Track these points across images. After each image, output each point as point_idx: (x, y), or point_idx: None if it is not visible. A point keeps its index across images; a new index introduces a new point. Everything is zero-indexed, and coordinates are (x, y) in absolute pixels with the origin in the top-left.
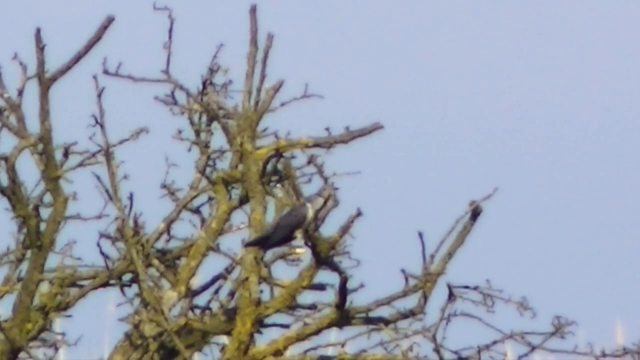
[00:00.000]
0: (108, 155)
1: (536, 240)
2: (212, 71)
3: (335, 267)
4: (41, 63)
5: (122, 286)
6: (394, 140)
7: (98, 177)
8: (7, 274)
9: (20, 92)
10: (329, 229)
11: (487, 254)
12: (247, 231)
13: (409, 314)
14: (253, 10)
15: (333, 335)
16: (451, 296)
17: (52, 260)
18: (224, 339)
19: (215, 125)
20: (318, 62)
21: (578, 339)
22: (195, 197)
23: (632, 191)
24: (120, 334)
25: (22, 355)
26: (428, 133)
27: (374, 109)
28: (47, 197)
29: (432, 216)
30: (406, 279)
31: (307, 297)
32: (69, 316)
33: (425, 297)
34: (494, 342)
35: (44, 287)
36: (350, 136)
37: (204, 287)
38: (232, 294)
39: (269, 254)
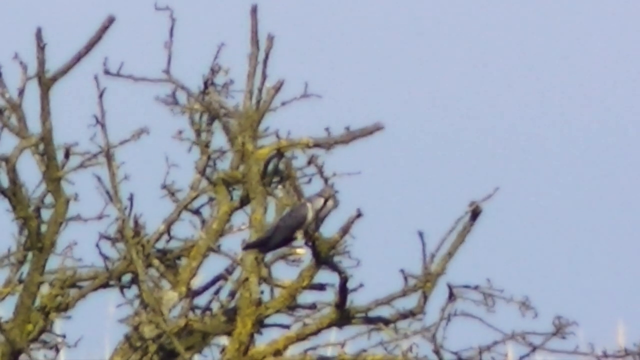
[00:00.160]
0: (109, 156)
1: (536, 240)
2: (213, 71)
3: (335, 267)
4: (42, 63)
5: (122, 287)
6: (394, 140)
7: (99, 178)
8: (9, 276)
9: (21, 92)
10: (329, 229)
11: (488, 253)
12: (248, 232)
13: (409, 314)
14: (254, 10)
15: (333, 335)
16: (451, 296)
17: (53, 262)
18: (224, 340)
19: (216, 125)
20: (318, 62)
21: (579, 339)
22: (195, 197)
23: (632, 191)
24: (121, 335)
25: (22, 356)
26: (428, 133)
27: (374, 109)
28: (48, 199)
29: (432, 216)
30: (406, 278)
31: (307, 297)
32: (69, 317)
33: (425, 297)
34: (495, 343)
35: (45, 289)
36: (351, 136)
37: (205, 288)
38: (232, 295)
39: (270, 255)
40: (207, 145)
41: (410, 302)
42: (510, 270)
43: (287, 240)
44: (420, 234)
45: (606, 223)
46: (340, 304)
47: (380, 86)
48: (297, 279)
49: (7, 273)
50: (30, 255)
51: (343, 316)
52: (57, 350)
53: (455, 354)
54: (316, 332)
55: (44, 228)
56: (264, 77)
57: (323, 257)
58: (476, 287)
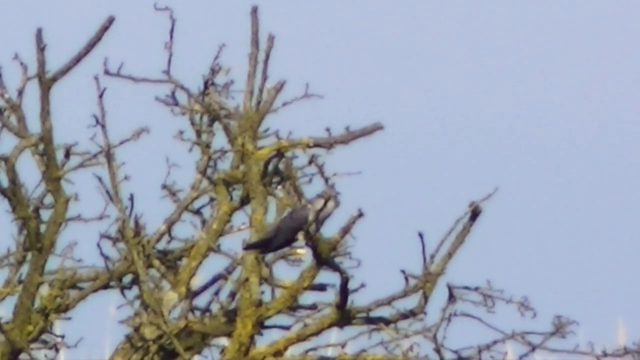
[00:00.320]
0: (109, 156)
1: (536, 240)
2: (213, 71)
3: (336, 268)
4: (42, 63)
5: (123, 288)
6: (394, 140)
7: (99, 178)
8: (8, 276)
9: (21, 93)
10: (329, 230)
11: (488, 254)
12: (248, 232)
13: (410, 314)
14: (254, 10)
15: (334, 335)
16: (451, 297)
17: (53, 262)
18: (224, 341)
19: (216, 125)
20: (319, 63)
21: (579, 338)
22: (196, 198)
23: (632, 191)
24: (121, 335)
25: (22, 356)
26: (428, 133)
27: (375, 109)
28: (48, 199)
29: (432, 216)
30: (406, 279)
31: (308, 298)
32: (69, 318)
33: (425, 298)
34: (495, 342)
35: (45, 289)
36: (351, 136)
37: (205, 288)
38: (232, 295)
39: (270, 255)
40: (208, 146)
41: (410, 302)
42: (510, 270)
43: (289, 241)
44: (420, 235)
45: (606, 223)
46: (341, 304)
47: (380, 86)
48: (298, 280)
49: (6, 273)
50: (29, 255)
51: (344, 316)
52: (57, 351)
53: (456, 353)
54: (317, 333)
55: (43, 228)
56: (265, 77)
57: (324, 258)
58: (476, 289)
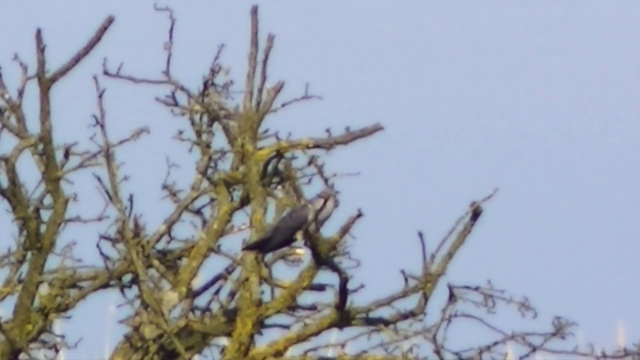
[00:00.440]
0: (108, 156)
1: (537, 241)
2: (213, 72)
3: (335, 268)
4: (41, 63)
5: (122, 287)
6: (394, 140)
7: (98, 178)
8: (8, 276)
9: (21, 93)
10: (329, 230)
11: (488, 254)
12: (248, 232)
13: (410, 315)
14: (254, 11)
15: (333, 336)
16: (452, 297)
17: (53, 262)
18: (224, 341)
19: (216, 126)
20: (318, 63)
21: (579, 339)
22: (196, 198)
23: (632, 191)
24: (121, 335)
25: (22, 356)
26: (428, 133)
27: (374, 110)
28: (48, 199)
29: (432, 216)
30: (406, 279)
31: (307, 298)
32: (69, 317)
33: (425, 298)
34: (495, 343)
35: (44, 289)
36: (351, 137)
37: (205, 288)
38: (232, 295)
39: (270, 255)
40: (208, 146)
41: (410, 302)
42: (510, 271)
43: (287, 241)
44: (421, 235)
45: (606, 223)
46: (341, 304)
47: (380, 87)
48: (297, 280)
49: (6, 273)
50: (29, 255)
51: (343, 317)
52: (57, 350)
53: (456, 354)
54: (316, 333)
55: (43, 228)
56: (264, 77)
57: (323, 258)
58: (477, 288)
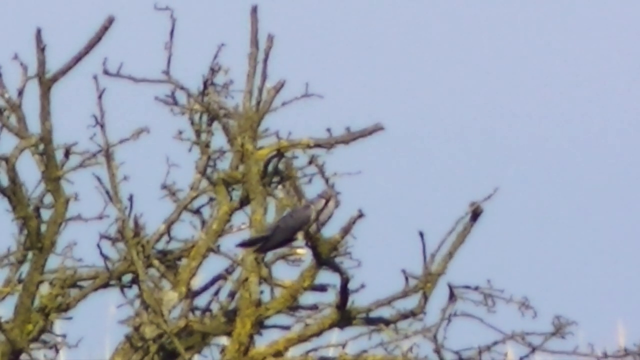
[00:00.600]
0: (108, 156)
1: (537, 240)
2: (213, 71)
3: (336, 268)
4: (42, 63)
5: (123, 287)
6: (394, 140)
7: (98, 178)
8: (8, 276)
9: (21, 93)
10: (330, 230)
11: (488, 254)
12: (247, 232)
13: (410, 315)
14: (254, 10)
15: (334, 336)
16: (452, 296)
17: (53, 262)
18: (224, 341)
19: (216, 125)
20: (319, 62)
21: (579, 339)
22: (195, 197)
23: (632, 191)
24: (121, 335)
25: (23, 356)
26: (428, 133)
27: (375, 110)
28: (48, 198)
29: (433, 216)
30: (407, 279)
31: (308, 298)
32: (69, 318)
33: (425, 298)
34: (495, 343)
35: (45, 289)
36: (351, 137)
37: (204, 288)
38: (232, 295)
39: (270, 255)
40: (207, 146)
41: (410, 302)
42: (510, 270)
43: (287, 241)
44: (421, 234)
45: (606, 223)
46: (341, 304)
47: (380, 86)
48: (298, 280)
49: (7, 273)
50: (30, 254)
51: (344, 317)
52: (57, 350)
53: (456, 354)
54: (317, 333)
55: (43, 228)
56: (264, 77)
57: (324, 258)
58: (476, 288)
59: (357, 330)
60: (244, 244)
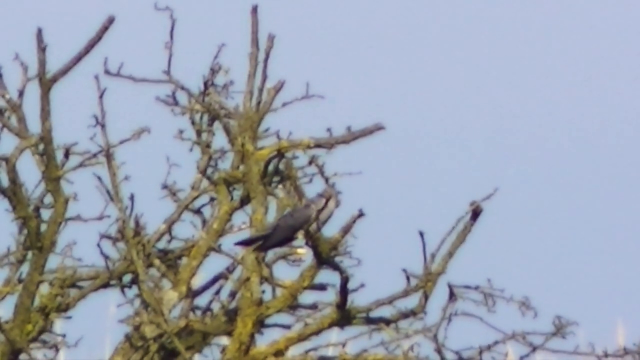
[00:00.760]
0: (109, 156)
1: (537, 240)
2: (213, 71)
3: (336, 267)
4: (42, 63)
5: (123, 287)
6: (394, 140)
7: (99, 178)
8: (8, 275)
9: (21, 93)
10: (330, 229)
11: (488, 253)
12: (248, 232)
13: (410, 314)
14: (254, 10)
15: (334, 335)
16: (452, 296)
17: (53, 262)
18: (224, 340)
19: (216, 125)
20: (319, 63)
21: (579, 339)
22: (196, 197)
23: (632, 191)
24: (121, 335)
25: (22, 356)
26: (428, 133)
27: (376, 110)
28: (48, 198)
29: (433, 216)
30: (407, 278)
31: (308, 297)
32: (69, 317)
33: (426, 297)
34: (495, 343)
35: (45, 288)
36: (352, 137)
37: (205, 287)
38: (233, 295)
39: (270, 254)
40: (208, 146)
41: (411, 301)
42: (510, 270)
43: (287, 240)
44: (421, 234)
45: (606, 223)
46: (341, 304)
47: (380, 86)
48: (298, 279)
49: (6, 272)
50: (29, 254)
51: (344, 316)
52: (57, 350)
53: (457, 354)
54: (317, 332)
55: (43, 227)
56: (265, 77)
57: (324, 257)
58: (477, 287)
59: (357, 330)
60: (242, 243)
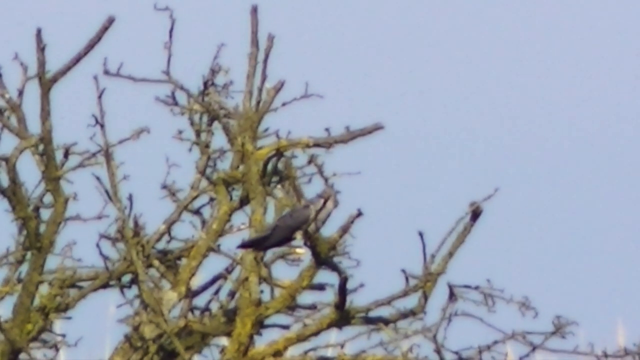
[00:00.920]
0: (108, 156)
1: (537, 240)
2: (213, 71)
3: (335, 267)
4: (42, 63)
5: (122, 287)
6: (394, 140)
7: (98, 178)
8: (7, 275)
9: (21, 93)
10: (329, 229)
11: (488, 253)
12: (247, 232)
13: (410, 314)
14: (254, 10)
15: (333, 335)
16: (452, 296)
17: (52, 262)
18: (223, 341)
19: (216, 125)
20: (318, 62)
21: (579, 339)
22: (195, 197)
23: (632, 191)
24: (121, 335)
25: (22, 356)
26: (428, 133)
27: (374, 109)
28: (48, 198)
29: (433, 216)
30: (407, 278)
31: (307, 298)
32: (69, 318)
33: (425, 297)
34: (495, 342)
35: (44, 289)
36: (351, 136)
37: (204, 287)
38: (232, 295)
39: (269, 254)
40: (207, 146)
41: (410, 301)
42: (510, 270)
43: (286, 240)
44: (421, 234)
45: (606, 223)
46: (340, 304)
47: (379, 86)
48: (297, 279)
49: (6, 272)
50: (29, 254)
51: (343, 317)
52: (57, 350)
53: (456, 354)
54: (316, 333)
55: (43, 228)
56: (264, 77)
57: (323, 257)
58: (477, 287)
59: (356, 330)
60: (244, 246)
